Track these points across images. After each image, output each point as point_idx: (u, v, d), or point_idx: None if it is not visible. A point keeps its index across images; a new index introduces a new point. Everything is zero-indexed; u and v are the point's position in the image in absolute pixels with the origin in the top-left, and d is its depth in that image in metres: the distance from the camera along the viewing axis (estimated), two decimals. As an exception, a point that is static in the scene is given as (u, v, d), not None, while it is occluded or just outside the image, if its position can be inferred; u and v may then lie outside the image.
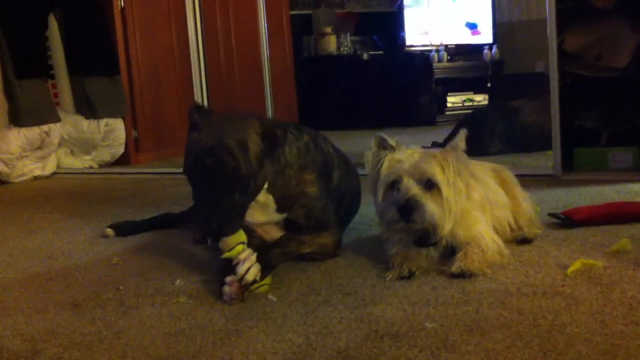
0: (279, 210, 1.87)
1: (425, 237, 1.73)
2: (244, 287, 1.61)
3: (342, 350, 1.27)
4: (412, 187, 1.67)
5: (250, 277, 1.62)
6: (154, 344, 1.37)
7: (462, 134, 1.74)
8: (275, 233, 1.92)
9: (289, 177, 1.86)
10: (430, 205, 1.66)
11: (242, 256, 1.65)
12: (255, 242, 1.83)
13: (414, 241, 1.75)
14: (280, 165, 1.83)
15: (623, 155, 3.11)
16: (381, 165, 1.74)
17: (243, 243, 1.69)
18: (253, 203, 1.77)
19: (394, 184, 1.70)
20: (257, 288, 1.65)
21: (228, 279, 1.62)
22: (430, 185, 1.67)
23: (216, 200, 1.62)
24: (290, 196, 1.87)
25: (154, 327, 1.47)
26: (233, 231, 1.66)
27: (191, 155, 1.67)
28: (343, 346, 1.29)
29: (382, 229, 1.83)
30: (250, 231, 1.86)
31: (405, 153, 1.72)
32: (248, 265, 1.63)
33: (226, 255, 1.66)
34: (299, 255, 1.87)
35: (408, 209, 1.65)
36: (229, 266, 1.65)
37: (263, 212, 1.86)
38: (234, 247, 1.66)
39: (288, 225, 1.91)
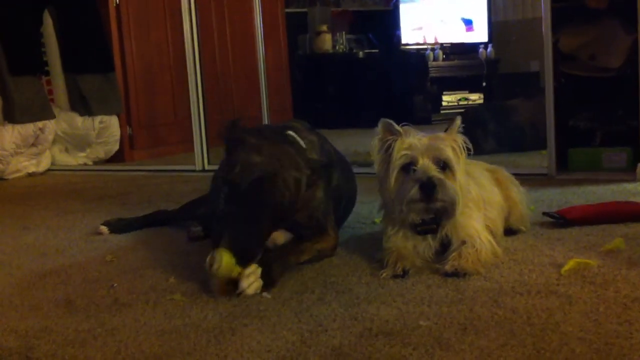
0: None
1: (430, 222, 1.73)
2: (228, 289, 1.62)
3: (337, 348, 1.27)
4: (430, 167, 1.67)
5: (251, 291, 1.61)
6: (147, 341, 1.37)
7: (457, 121, 1.74)
8: (277, 236, 1.90)
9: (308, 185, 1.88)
10: (450, 184, 1.67)
11: (247, 270, 1.63)
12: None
13: (416, 228, 1.75)
14: (306, 177, 1.83)
15: (617, 155, 3.12)
16: (392, 150, 1.72)
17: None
18: None
19: (407, 167, 1.69)
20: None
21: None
22: (445, 166, 1.68)
23: (254, 226, 1.65)
24: (302, 199, 1.86)
25: (148, 325, 1.46)
26: (257, 257, 1.67)
27: (246, 174, 1.68)
28: (337, 344, 1.29)
29: (394, 213, 1.76)
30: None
31: (416, 137, 1.72)
32: (252, 279, 1.63)
33: (220, 274, 1.61)
34: (300, 263, 1.84)
35: (431, 185, 1.64)
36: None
37: None
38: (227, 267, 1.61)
39: (292, 226, 1.90)
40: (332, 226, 1.98)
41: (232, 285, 1.62)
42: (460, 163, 1.71)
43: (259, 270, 1.65)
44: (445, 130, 1.75)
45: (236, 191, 1.69)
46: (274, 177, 1.69)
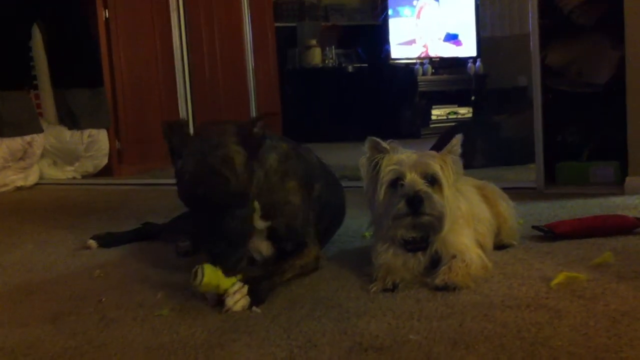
0: (263, 217, 1.86)
1: (419, 240, 1.73)
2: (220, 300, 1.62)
3: (326, 364, 1.26)
4: (418, 181, 1.67)
5: (237, 308, 1.60)
6: (135, 357, 1.35)
7: (457, 139, 1.75)
8: (260, 245, 1.91)
9: (273, 183, 1.85)
10: (437, 198, 1.67)
11: (233, 288, 1.62)
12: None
13: (406, 246, 1.75)
14: (265, 170, 1.82)
15: (604, 169, 3.14)
16: (379, 167, 1.73)
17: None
18: None
19: (395, 182, 1.70)
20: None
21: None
22: (432, 181, 1.68)
23: (218, 224, 1.63)
24: (274, 203, 1.86)
25: (136, 341, 1.45)
26: (239, 253, 1.66)
27: (182, 185, 1.68)
28: (327, 359, 1.28)
29: (383, 229, 1.76)
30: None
31: (404, 153, 1.73)
32: (239, 297, 1.62)
33: (202, 289, 1.62)
34: (284, 282, 1.81)
35: (417, 200, 1.65)
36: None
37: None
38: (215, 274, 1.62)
39: (270, 234, 1.90)
40: (312, 238, 1.95)
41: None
42: (449, 180, 1.71)
43: (245, 288, 1.64)
44: (438, 149, 1.76)
45: (182, 200, 1.70)
46: (201, 173, 1.64)
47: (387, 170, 1.71)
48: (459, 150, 1.76)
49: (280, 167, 1.88)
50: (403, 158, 1.71)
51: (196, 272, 1.59)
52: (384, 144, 1.75)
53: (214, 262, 1.62)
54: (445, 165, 1.72)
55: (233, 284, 1.64)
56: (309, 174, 2.01)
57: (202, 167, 1.64)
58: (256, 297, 1.65)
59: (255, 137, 1.73)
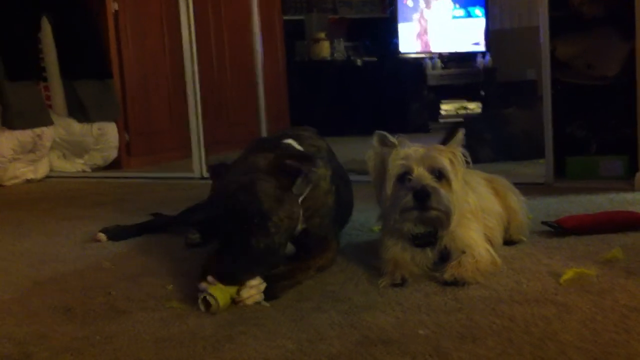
0: (303, 222, 1.83)
1: (427, 235, 1.74)
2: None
3: (334, 357, 1.27)
4: (425, 175, 1.67)
5: (249, 302, 1.60)
6: (144, 349, 1.36)
7: (461, 132, 1.75)
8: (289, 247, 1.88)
9: (321, 190, 1.88)
10: (444, 192, 1.66)
11: (251, 282, 1.61)
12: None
13: (414, 241, 1.75)
14: (315, 182, 1.82)
15: (614, 163, 3.13)
16: (387, 161, 1.73)
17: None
18: None
19: (403, 176, 1.69)
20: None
21: (202, 285, 1.60)
22: (440, 175, 1.68)
23: (232, 247, 1.63)
24: (315, 207, 1.86)
25: (145, 332, 1.46)
26: (249, 276, 1.62)
27: (221, 196, 1.71)
28: (335, 352, 1.29)
29: (391, 223, 1.76)
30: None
31: (411, 148, 1.72)
32: (254, 292, 1.61)
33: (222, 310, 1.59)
34: (296, 284, 1.77)
35: (424, 194, 1.64)
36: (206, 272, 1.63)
37: None
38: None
39: (302, 234, 1.86)
40: (336, 235, 1.96)
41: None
42: (458, 174, 1.71)
43: (263, 285, 1.63)
44: (444, 142, 1.75)
45: (216, 213, 1.70)
46: (222, 198, 1.68)
47: (394, 165, 1.70)
48: (462, 141, 1.75)
49: (328, 171, 1.91)
50: (410, 152, 1.70)
51: (206, 300, 1.57)
52: (392, 138, 1.74)
53: (219, 279, 1.59)
54: (455, 158, 1.72)
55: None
56: (336, 174, 2.03)
57: (224, 190, 1.69)
58: (271, 294, 1.63)
59: (288, 169, 1.72)
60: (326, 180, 1.92)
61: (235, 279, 1.60)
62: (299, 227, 1.81)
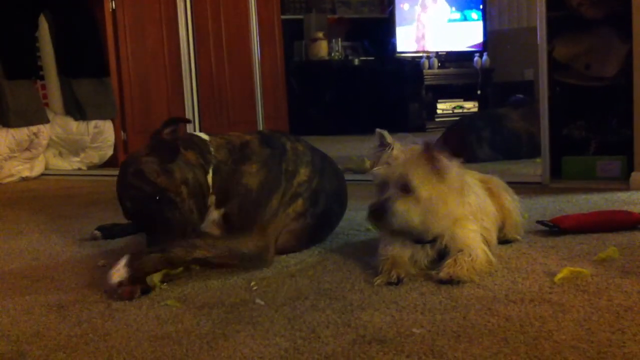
0: (218, 205, 1.92)
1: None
2: (134, 290, 1.67)
3: (329, 355, 1.26)
4: (389, 191, 1.69)
5: (114, 278, 1.67)
6: (140, 347, 1.36)
7: (440, 139, 1.74)
8: (212, 230, 1.93)
9: (225, 172, 1.93)
10: (401, 209, 1.67)
11: (119, 262, 1.70)
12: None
13: (413, 238, 1.76)
14: (214, 165, 1.92)
15: (611, 164, 3.13)
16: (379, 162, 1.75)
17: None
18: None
19: (382, 186, 1.72)
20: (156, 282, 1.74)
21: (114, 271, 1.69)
22: (407, 188, 1.68)
23: (154, 229, 1.81)
24: (227, 189, 1.92)
25: (140, 330, 1.46)
26: (181, 240, 1.77)
27: (120, 204, 1.89)
28: (330, 351, 1.28)
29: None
30: (203, 234, 1.90)
31: (394, 153, 1.73)
32: (117, 267, 1.69)
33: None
34: (197, 260, 1.78)
35: (377, 213, 1.69)
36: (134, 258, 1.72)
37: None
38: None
39: (225, 220, 1.92)
40: (263, 221, 1.89)
41: (137, 286, 1.69)
42: (434, 180, 1.69)
43: (125, 260, 1.70)
44: (427, 149, 1.73)
45: (129, 215, 1.90)
46: (120, 189, 1.86)
47: (375, 174, 1.74)
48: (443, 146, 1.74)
49: (232, 156, 1.95)
50: (391, 160, 1.71)
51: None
52: (389, 139, 1.75)
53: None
54: (439, 162, 1.70)
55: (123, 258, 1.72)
56: (286, 159, 2.03)
57: (122, 187, 1.86)
58: (134, 267, 1.69)
59: (165, 142, 1.84)
60: (228, 163, 1.94)
61: (172, 245, 1.74)
62: (217, 212, 1.91)
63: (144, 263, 1.70)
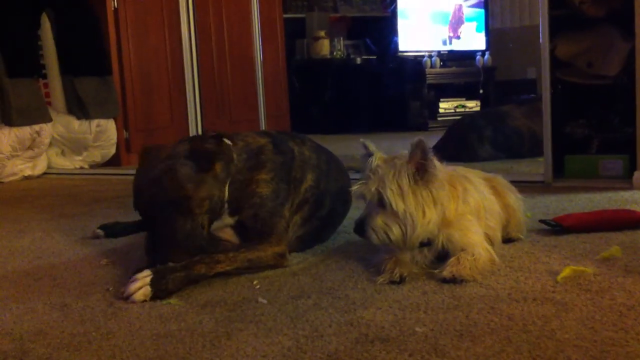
0: (231, 213, 1.90)
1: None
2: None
3: (332, 354, 1.26)
4: (368, 206, 1.74)
5: (138, 297, 1.63)
6: (143, 345, 1.36)
7: (420, 143, 1.71)
8: (231, 237, 1.93)
9: (239, 181, 1.90)
10: (379, 225, 1.70)
11: (139, 275, 1.66)
12: (223, 249, 1.86)
13: None
14: (232, 173, 1.88)
15: (613, 163, 3.13)
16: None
17: None
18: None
19: (361, 197, 1.76)
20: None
21: (138, 275, 1.67)
22: (383, 203, 1.69)
23: (160, 231, 1.74)
24: (241, 198, 1.89)
25: (143, 329, 1.46)
26: (180, 259, 1.71)
27: (134, 194, 1.83)
28: (333, 350, 1.28)
29: None
30: (216, 238, 1.90)
31: (374, 163, 1.73)
32: (140, 285, 1.64)
33: None
34: (218, 274, 1.78)
35: (359, 229, 1.74)
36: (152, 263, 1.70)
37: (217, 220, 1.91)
38: None
39: (239, 228, 1.92)
40: (279, 233, 1.92)
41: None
42: (409, 190, 1.68)
43: (149, 278, 1.65)
44: (437, 145, 1.74)
45: (140, 199, 1.83)
46: (145, 184, 1.79)
47: (352, 189, 1.76)
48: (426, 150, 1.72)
49: (247, 163, 1.92)
50: (371, 172, 1.72)
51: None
52: (370, 148, 1.77)
53: (153, 265, 1.69)
54: (426, 165, 1.68)
55: (140, 270, 1.68)
56: (294, 166, 2.02)
57: (145, 178, 1.80)
58: (159, 288, 1.65)
59: (204, 152, 1.81)
60: (244, 172, 1.91)
61: (166, 262, 1.69)
62: (230, 219, 1.90)
63: (168, 283, 1.67)
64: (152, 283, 1.64)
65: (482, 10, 7.36)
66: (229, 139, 1.95)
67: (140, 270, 1.68)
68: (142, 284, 1.64)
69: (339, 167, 2.27)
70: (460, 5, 7.25)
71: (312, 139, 2.23)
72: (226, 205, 1.88)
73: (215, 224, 1.89)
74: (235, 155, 1.90)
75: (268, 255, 1.86)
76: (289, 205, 1.97)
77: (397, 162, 1.71)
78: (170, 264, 1.70)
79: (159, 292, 1.65)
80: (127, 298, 1.64)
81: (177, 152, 1.80)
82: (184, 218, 1.74)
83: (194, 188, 1.75)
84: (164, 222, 1.74)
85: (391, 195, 1.67)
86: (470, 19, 7.28)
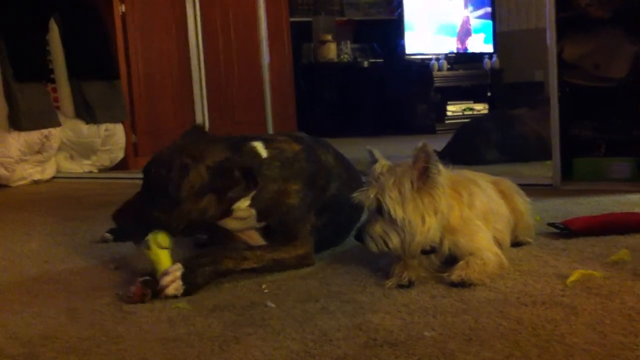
0: (260, 219, 1.90)
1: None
2: (145, 293, 1.66)
3: (340, 358, 1.26)
4: (367, 215, 1.75)
5: (170, 291, 1.66)
6: (151, 350, 1.36)
7: (423, 147, 1.70)
8: (256, 238, 1.95)
9: (272, 191, 1.89)
10: (377, 233, 1.70)
11: (170, 269, 1.68)
12: (238, 247, 1.88)
13: None
14: (263, 182, 1.86)
15: (621, 165, 3.11)
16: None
17: (167, 249, 1.75)
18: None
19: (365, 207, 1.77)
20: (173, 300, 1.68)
21: (139, 279, 1.69)
22: (382, 211, 1.69)
23: (139, 207, 1.80)
24: (272, 207, 1.90)
25: (152, 333, 1.46)
26: (136, 241, 1.80)
27: (153, 156, 1.82)
28: (341, 354, 1.28)
29: None
30: (232, 236, 1.92)
31: (377, 170, 1.73)
32: (171, 279, 1.66)
33: (147, 254, 1.75)
34: (244, 271, 1.81)
35: (359, 237, 1.74)
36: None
37: (242, 222, 1.90)
38: (156, 250, 1.74)
39: (266, 230, 1.93)
40: (303, 237, 1.94)
41: (149, 289, 1.68)
42: (409, 197, 1.67)
43: (179, 272, 1.68)
44: (445, 149, 1.74)
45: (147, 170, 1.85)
46: (160, 160, 1.79)
47: (355, 194, 1.76)
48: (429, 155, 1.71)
49: (282, 173, 1.92)
50: (373, 180, 1.73)
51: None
52: (376, 155, 1.77)
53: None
54: (425, 172, 1.68)
55: (172, 265, 1.70)
56: (322, 175, 2.03)
57: (165, 157, 1.78)
58: (191, 282, 1.68)
59: (228, 178, 1.78)
60: (277, 182, 1.91)
61: (124, 238, 1.79)
62: (258, 224, 1.90)
63: (197, 277, 1.70)
64: (184, 277, 1.67)
65: (490, 22, 7.34)
66: (264, 143, 1.93)
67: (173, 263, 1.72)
68: (173, 277, 1.67)
69: (355, 173, 2.29)
70: (468, 17, 7.24)
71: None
72: (254, 212, 1.87)
73: (243, 227, 1.91)
74: (264, 168, 1.88)
75: (292, 257, 1.90)
76: (314, 211, 1.99)
77: (398, 170, 1.71)
78: (202, 259, 1.74)
79: (190, 286, 1.67)
80: (159, 292, 1.66)
81: (211, 152, 1.78)
82: (162, 212, 1.75)
83: (188, 198, 1.74)
84: (148, 204, 1.78)
85: (390, 203, 1.67)
86: (477, 31, 7.28)
